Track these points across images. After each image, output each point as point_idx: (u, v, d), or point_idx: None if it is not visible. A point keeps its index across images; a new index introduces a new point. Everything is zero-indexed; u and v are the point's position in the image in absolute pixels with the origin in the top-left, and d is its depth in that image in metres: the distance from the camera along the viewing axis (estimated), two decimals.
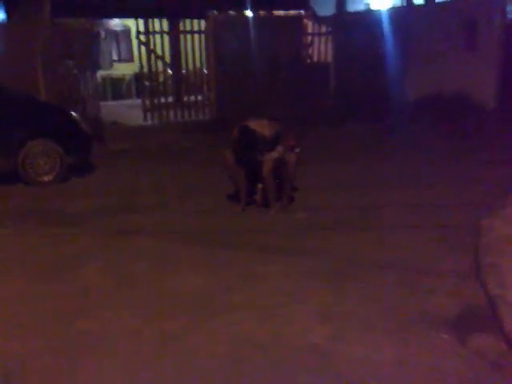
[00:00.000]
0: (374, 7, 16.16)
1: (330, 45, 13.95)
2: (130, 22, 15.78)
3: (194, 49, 12.07)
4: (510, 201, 5.26)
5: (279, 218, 5.74)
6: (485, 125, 9.84)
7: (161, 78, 12.57)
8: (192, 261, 4.59)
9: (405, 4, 14.92)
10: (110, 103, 15.13)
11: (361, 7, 16.43)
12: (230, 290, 3.97)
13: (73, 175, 7.76)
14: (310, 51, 13.68)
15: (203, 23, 12.28)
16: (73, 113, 7.95)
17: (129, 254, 4.80)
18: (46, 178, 7.44)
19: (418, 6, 14.57)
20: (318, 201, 6.26)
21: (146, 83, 12.19)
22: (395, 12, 13.59)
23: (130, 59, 16.84)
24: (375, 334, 3.28)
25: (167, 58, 12.02)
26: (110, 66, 16.38)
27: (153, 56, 11.73)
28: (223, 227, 5.51)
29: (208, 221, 5.74)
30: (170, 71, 12.61)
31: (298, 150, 6.03)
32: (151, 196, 6.78)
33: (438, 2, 14.84)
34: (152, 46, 11.81)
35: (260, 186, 6.03)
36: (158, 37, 11.84)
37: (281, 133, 5.97)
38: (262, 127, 5.97)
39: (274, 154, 5.82)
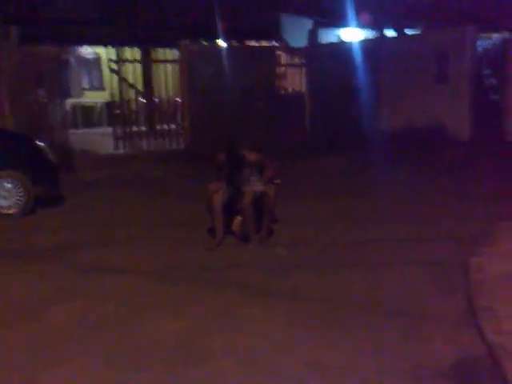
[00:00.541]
0: (345, 39, 16.31)
1: (303, 76, 13.97)
2: (102, 50, 15.59)
3: (167, 78, 11.91)
4: (498, 237, 5.12)
5: (258, 253, 5.48)
6: (461, 157, 9.83)
7: (132, 107, 12.33)
8: (166, 302, 4.28)
9: (377, 36, 15.07)
10: (81, 131, 14.78)
11: (333, 39, 16.57)
12: (209, 336, 3.67)
13: (40, 207, 7.39)
14: (283, 82, 13.64)
15: (175, 52, 12.14)
16: (39, 142, 7.60)
17: (97, 294, 4.47)
18: (10, 211, 7.05)
19: (390, 37, 14.76)
20: (299, 235, 6.03)
21: (117, 111, 11.92)
22: (368, 43, 13.72)
23: (101, 87, 16.57)
24: None
25: (139, 87, 11.80)
26: (81, 93, 16.08)
27: (124, 84, 11.50)
28: (199, 263, 5.21)
29: (183, 255, 5.44)
30: (142, 99, 12.39)
31: (277, 181, 5.84)
32: (121, 229, 6.45)
33: (410, 34, 15.09)
34: (124, 74, 11.60)
35: (239, 217, 5.79)
36: (129, 65, 11.64)
37: (263, 163, 5.79)
38: (251, 155, 5.79)
39: (259, 187, 5.63)
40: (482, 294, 3.95)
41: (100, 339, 3.67)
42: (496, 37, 13.57)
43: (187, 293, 4.45)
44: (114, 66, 11.39)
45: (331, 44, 15.45)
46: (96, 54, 16.48)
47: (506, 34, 12.98)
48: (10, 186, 7.02)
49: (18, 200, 7.06)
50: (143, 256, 5.44)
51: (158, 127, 12.18)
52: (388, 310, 4.00)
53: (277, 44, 14.88)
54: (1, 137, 7.44)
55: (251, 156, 5.76)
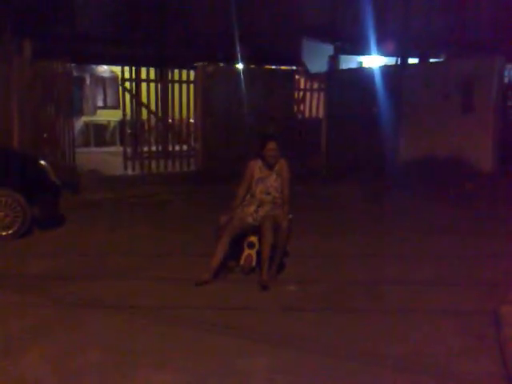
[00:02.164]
0: (366, 65, 15.93)
1: (321, 101, 13.57)
2: (118, 69, 15.37)
3: (182, 99, 11.58)
4: None
5: (268, 291, 4.96)
6: (486, 191, 9.27)
7: (145, 127, 12.00)
8: (157, 349, 3.79)
9: (398, 62, 14.65)
10: (93, 150, 14.51)
11: (353, 65, 16.19)
12: None
13: (38, 228, 6.99)
14: (301, 107, 13.25)
15: (192, 73, 11.84)
16: (42, 161, 7.23)
17: (84, 336, 3.99)
18: (4, 233, 6.64)
19: (412, 64, 14.32)
20: (311, 272, 5.54)
21: (129, 131, 11.59)
22: (388, 70, 13.29)
23: (117, 106, 16.31)
24: None
25: (153, 107, 11.47)
26: (94, 112, 15.82)
27: (137, 104, 11.19)
28: (199, 301, 4.72)
29: (181, 292, 4.95)
30: (155, 120, 12.05)
31: (290, 217, 5.37)
32: (120, 258, 5.98)
33: (434, 62, 14.64)
34: (138, 94, 11.29)
35: (248, 250, 5.33)
36: (144, 85, 11.33)
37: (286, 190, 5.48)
38: (282, 161, 5.61)
39: (276, 211, 5.20)
40: None
41: None
42: None
43: (181, 338, 3.95)
44: (128, 85, 11.09)
45: (351, 70, 15.07)
46: (113, 72, 16.28)
47: None
48: (5, 205, 6.62)
49: (13, 221, 6.66)
50: (137, 290, 4.95)
51: (170, 149, 11.79)
52: (407, 369, 3.48)
53: (296, 68, 14.53)
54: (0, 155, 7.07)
55: (284, 164, 5.49)
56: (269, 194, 5.40)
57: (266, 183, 5.43)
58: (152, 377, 3.38)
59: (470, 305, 4.55)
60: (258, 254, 5.32)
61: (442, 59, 15.36)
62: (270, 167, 5.49)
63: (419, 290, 4.98)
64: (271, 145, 5.46)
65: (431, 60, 15.03)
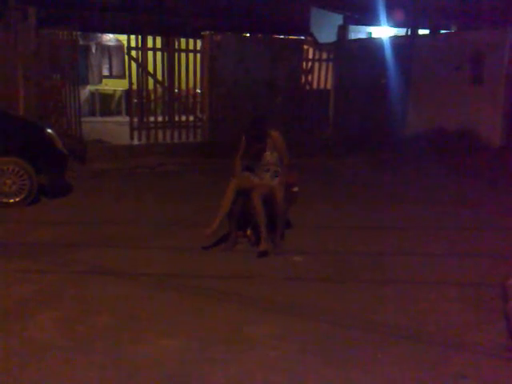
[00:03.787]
0: (376, 36, 15.67)
1: (330, 72, 13.40)
2: (124, 38, 15.18)
3: (189, 68, 11.44)
4: None
5: (272, 261, 4.98)
6: (495, 164, 9.19)
7: (151, 96, 11.89)
8: (165, 315, 3.82)
9: (408, 33, 14.40)
10: (98, 119, 14.41)
11: (363, 36, 15.94)
12: (210, 362, 3.19)
13: (45, 197, 7.00)
14: (309, 77, 13.09)
15: (199, 43, 11.68)
16: (48, 129, 7.18)
17: (92, 301, 4.03)
18: (12, 200, 6.66)
19: (422, 35, 14.07)
20: (317, 243, 5.53)
21: (135, 100, 11.50)
22: (398, 41, 13.10)
23: (122, 75, 16.17)
24: None
25: (159, 76, 11.34)
26: (100, 81, 15.69)
27: (143, 73, 11.07)
28: (206, 270, 4.74)
29: (188, 261, 4.97)
30: (161, 89, 11.93)
31: (295, 189, 5.35)
32: (126, 227, 6.00)
33: (444, 33, 14.40)
34: (144, 63, 11.17)
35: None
36: (150, 54, 11.19)
37: (285, 159, 5.32)
38: (275, 134, 5.41)
39: (270, 181, 5.16)
40: None
41: (84, 358, 3.22)
42: None
43: (187, 305, 3.99)
44: (134, 54, 10.95)
45: (360, 40, 14.84)
46: (119, 41, 16.09)
47: None
48: (12, 173, 6.62)
49: (20, 188, 6.67)
50: (144, 259, 4.97)
51: (177, 119, 11.70)
52: (415, 338, 3.49)
53: (304, 38, 14.30)
54: (7, 122, 7.02)
55: (276, 136, 5.29)
56: (268, 170, 5.33)
57: (262, 161, 5.34)
58: (159, 342, 3.41)
59: (477, 277, 4.54)
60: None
61: (452, 30, 15.10)
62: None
63: (425, 261, 4.98)
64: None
65: (442, 31, 14.76)
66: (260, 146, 5.26)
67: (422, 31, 14.80)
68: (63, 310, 3.86)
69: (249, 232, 5.44)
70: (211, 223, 5.09)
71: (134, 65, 11.04)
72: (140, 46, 11.03)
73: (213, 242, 5.23)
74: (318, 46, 13.84)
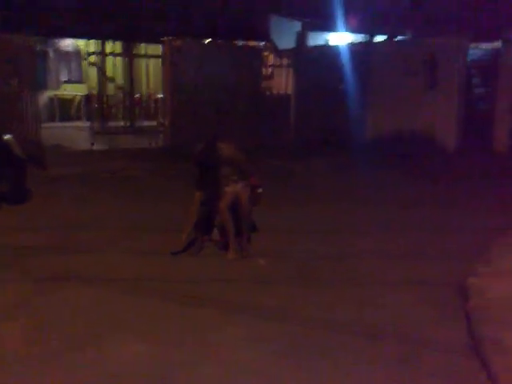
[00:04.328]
0: (334, 43, 15.95)
1: (290, 78, 13.60)
2: (83, 43, 15.02)
3: (149, 73, 11.43)
4: (495, 255, 4.75)
5: (237, 265, 5.04)
6: (450, 168, 9.51)
7: (111, 101, 11.82)
8: (133, 320, 3.83)
9: (366, 40, 14.75)
10: (58, 124, 14.19)
11: (321, 42, 16.19)
12: (179, 366, 3.21)
13: (5, 203, 6.85)
14: (269, 83, 13.25)
15: (159, 47, 11.69)
16: (5, 135, 7.04)
17: (58, 308, 3.99)
18: None
19: (379, 42, 14.44)
20: (280, 245, 5.61)
21: (95, 105, 11.40)
22: (356, 47, 13.40)
23: (81, 80, 15.98)
24: None
25: (120, 81, 11.30)
26: (58, 86, 15.46)
27: (103, 78, 11.00)
28: (174, 274, 4.75)
29: (155, 265, 4.97)
30: (121, 94, 11.88)
31: (259, 191, 5.42)
32: (90, 232, 5.96)
33: (399, 40, 14.79)
34: (104, 69, 11.10)
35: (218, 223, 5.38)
36: (110, 59, 11.14)
37: (242, 164, 5.35)
38: (227, 148, 5.31)
39: (237, 187, 5.21)
40: (485, 321, 3.57)
41: (55, 366, 3.19)
42: (486, 46, 13.32)
43: (156, 309, 4.00)
44: (93, 59, 10.88)
45: (319, 47, 15.09)
46: (77, 46, 15.90)
47: (497, 44, 12.70)
48: None
49: None
50: (110, 264, 4.95)
51: (138, 124, 11.67)
52: (379, 337, 3.60)
53: (264, 44, 14.48)
54: None
55: (228, 150, 5.30)
56: (230, 180, 5.36)
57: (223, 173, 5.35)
58: (129, 347, 3.42)
59: (437, 277, 4.69)
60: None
61: (408, 37, 15.52)
62: None
63: (385, 262, 5.11)
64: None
65: (398, 37, 15.17)
66: (215, 168, 5.21)
67: (378, 37, 15.18)
68: (29, 318, 3.81)
69: (214, 235, 5.47)
70: (178, 243, 5.16)
71: (93, 70, 10.97)
72: (100, 51, 10.96)
73: (181, 246, 5.24)
74: (277, 52, 14.05)
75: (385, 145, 11.63)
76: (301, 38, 15.59)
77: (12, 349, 3.41)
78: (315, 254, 5.35)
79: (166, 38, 11.74)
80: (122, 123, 11.41)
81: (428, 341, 3.55)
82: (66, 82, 16.10)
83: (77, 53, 16.10)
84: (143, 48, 11.70)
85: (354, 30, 15.91)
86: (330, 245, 5.64)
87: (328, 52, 13.92)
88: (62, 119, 14.92)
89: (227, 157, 5.28)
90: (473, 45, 12.23)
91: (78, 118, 15.26)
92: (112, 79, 11.18)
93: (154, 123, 11.87)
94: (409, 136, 11.79)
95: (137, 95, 11.89)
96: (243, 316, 3.91)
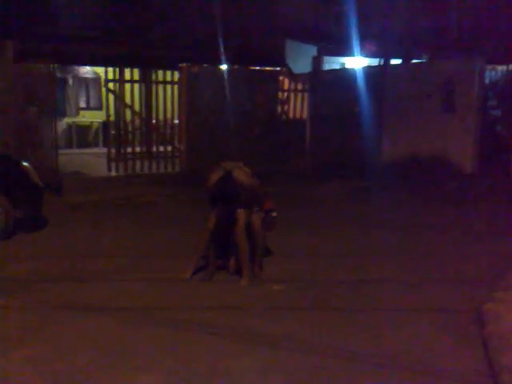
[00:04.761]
0: (349, 66, 16.02)
1: (305, 102, 13.63)
2: (101, 70, 15.28)
3: (166, 99, 11.54)
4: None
5: (252, 291, 4.99)
6: (468, 191, 9.39)
7: (129, 127, 11.93)
8: (144, 349, 3.78)
9: (381, 63, 14.76)
10: (75, 151, 14.38)
11: (336, 66, 16.27)
12: None
13: (20, 230, 6.92)
14: (285, 108, 13.29)
15: (177, 75, 11.82)
16: (24, 162, 7.16)
17: (68, 338, 3.97)
18: None
19: (394, 65, 14.44)
20: (297, 271, 5.56)
21: (112, 132, 11.52)
22: (371, 71, 13.40)
23: (100, 107, 16.21)
24: None
25: (137, 108, 11.42)
26: (77, 113, 15.70)
27: (121, 104, 11.13)
28: (186, 302, 4.72)
29: (168, 293, 4.94)
30: (139, 121, 12.00)
31: (274, 214, 5.40)
32: (105, 260, 5.95)
33: (416, 62, 14.77)
34: (121, 95, 11.24)
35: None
36: (128, 86, 11.27)
37: (258, 192, 5.33)
38: (240, 174, 5.28)
39: (251, 212, 5.20)
40: (502, 349, 3.46)
41: None
42: (502, 69, 13.26)
43: (167, 338, 3.96)
44: (111, 86, 11.03)
45: (335, 71, 15.16)
46: (96, 73, 16.17)
47: None
48: None
49: None
50: (123, 292, 4.93)
51: (155, 150, 11.74)
52: (393, 367, 3.51)
53: (280, 69, 14.57)
54: None
55: (245, 178, 5.28)
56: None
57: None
58: (138, 377, 3.38)
59: (454, 303, 4.60)
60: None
61: (424, 60, 15.51)
62: None
63: (402, 288, 5.02)
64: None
65: (414, 61, 15.16)
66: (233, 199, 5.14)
67: (394, 61, 15.20)
68: (41, 348, 3.79)
69: (230, 262, 5.44)
70: (187, 267, 5.21)
71: (111, 96, 11.11)
72: (118, 78, 11.11)
73: (192, 272, 5.24)
74: (293, 76, 14.09)
75: (401, 168, 11.54)
76: (316, 62, 15.70)
77: (21, 380, 3.38)
78: (332, 279, 5.29)
79: (183, 65, 11.88)
80: (138, 149, 11.49)
81: (445, 370, 3.46)
82: (84, 108, 16.37)
83: (95, 80, 16.38)
84: (160, 74, 11.84)
85: (369, 54, 15.98)
86: (346, 270, 5.58)
87: (343, 75, 13.96)
88: (80, 146, 15.12)
89: (245, 187, 5.26)
90: (489, 67, 12.19)
91: (96, 145, 15.46)
92: (129, 106, 11.29)
93: (170, 148, 11.94)
94: (425, 159, 11.69)
95: (153, 121, 11.98)
96: (256, 345, 3.85)
